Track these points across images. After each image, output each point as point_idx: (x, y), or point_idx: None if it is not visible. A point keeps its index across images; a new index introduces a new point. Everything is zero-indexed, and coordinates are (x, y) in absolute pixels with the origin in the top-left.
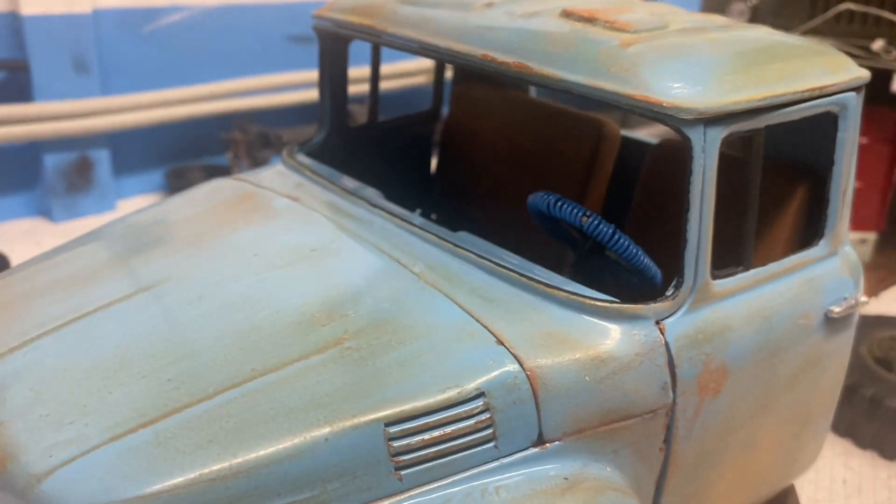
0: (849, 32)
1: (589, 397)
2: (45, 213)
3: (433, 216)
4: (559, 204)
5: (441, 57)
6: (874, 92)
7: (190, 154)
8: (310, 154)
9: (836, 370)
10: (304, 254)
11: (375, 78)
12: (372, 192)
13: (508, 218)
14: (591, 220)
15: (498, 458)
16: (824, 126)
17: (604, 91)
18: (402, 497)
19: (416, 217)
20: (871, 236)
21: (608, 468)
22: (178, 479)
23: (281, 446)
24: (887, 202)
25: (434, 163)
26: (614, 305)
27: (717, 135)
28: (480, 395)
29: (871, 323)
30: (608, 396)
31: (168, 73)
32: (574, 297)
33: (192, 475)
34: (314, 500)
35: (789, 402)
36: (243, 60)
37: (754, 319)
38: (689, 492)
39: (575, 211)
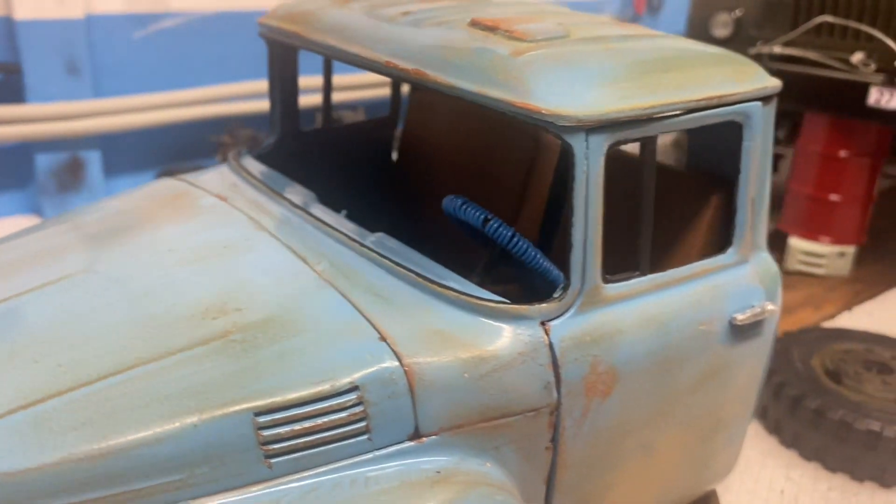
0: (829, 45)
1: (467, 394)
2: (37, 211)
3: (342, 212)
4: (464, 206)
5: (353, 63)
6: (853, 105)
7: (180, 156)
8: (261, 158)
9: (749, 378)
10: (216, 251)
11: (328, 83)
12: (300, 195)
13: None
14: (491, 222)
15: (372, 451)
16: (736, 135)
17: (490, 98)
18: (271, 484)
19: (337, 218)
20: (850, 250)
21: (488, 464)
22: (48, 459)
23: (151, 430)
24: (867, 215)
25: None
26: (500, 306)
27: (601, 142)
28: (354, 388)
29: (831, 335)
30: (488, 394)
31: (160, 78)
32: (463, 296)
33: (61, 455)
34: (182, 483)
35: (693, 407)
36: (235, 66)
37: (649, 324)
38: (585, 492)
39: (477, 214)
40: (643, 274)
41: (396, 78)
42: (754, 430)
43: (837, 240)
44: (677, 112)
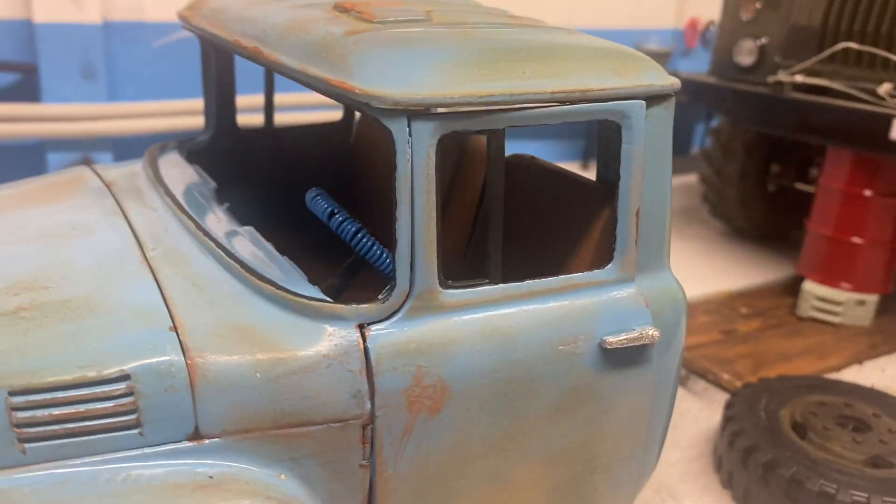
0: (856, 76)
1: (259, 396)
2: None
3: (224, 205)
4: (316, 198)
5: (219, 44)
6: (879, 139)
7: None
8: (192, 153)
9: (631, 413)
10: (62, 231)
11: (269, 80)
12: (189, 187)
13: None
14: (337, 216)
15: (143, 447)
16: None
17: (309, 76)
18: (23, 470)
19: (208, 210)
20: (872, 298)
21: (283, 476)
22: None
23: None
24: (893, 262)
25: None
26: (315, 303)
27: (427, 130)
28: (124, 377)
29: (810, 385)
30: (283, 398)
31: (177, 86)
32: (278, 291)
33: None
34: None
35: (557, 439)
36: (248, 79)
37: (493, 337)
38: None
39: (325, 206)
40: (493, 282)
41: (242, 56)
42: (707, 482)
43: (858, 287)
44: (527, 103)
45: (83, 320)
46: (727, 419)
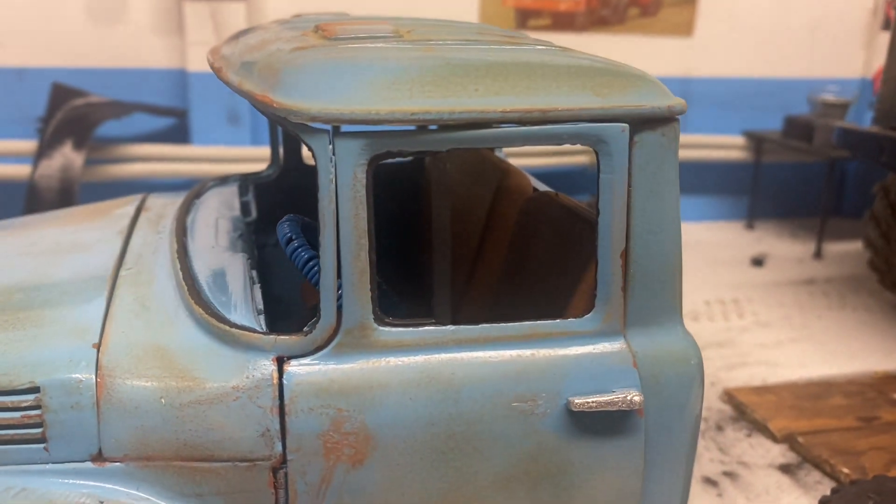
0: None
1: (163, 423)
2: None
3: (237, 232)
4: (284, 223)
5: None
6: None
7: None
8: (258, 186)
9: (613, 493)
10: (63, 248)
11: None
12: (211, 216)
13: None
14: (293, 242)
15: (48, 462)
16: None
17: (242, 90)
18: None
19: (211, 237)
20: None
21: None
22: None
23: None
24: None
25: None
26: (234, 331)
27: (355, 148)
28: (34, 390)
29: None
30: (187, 428)
31: None
32: (206, 316)
33: None
34: None
35: None
36: None
37: (431, 385)
38: None
39: (285, 231)
40: (440, 323)
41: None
42: None
43: None
44: (472, 123)
45: (24, 330)
46: None
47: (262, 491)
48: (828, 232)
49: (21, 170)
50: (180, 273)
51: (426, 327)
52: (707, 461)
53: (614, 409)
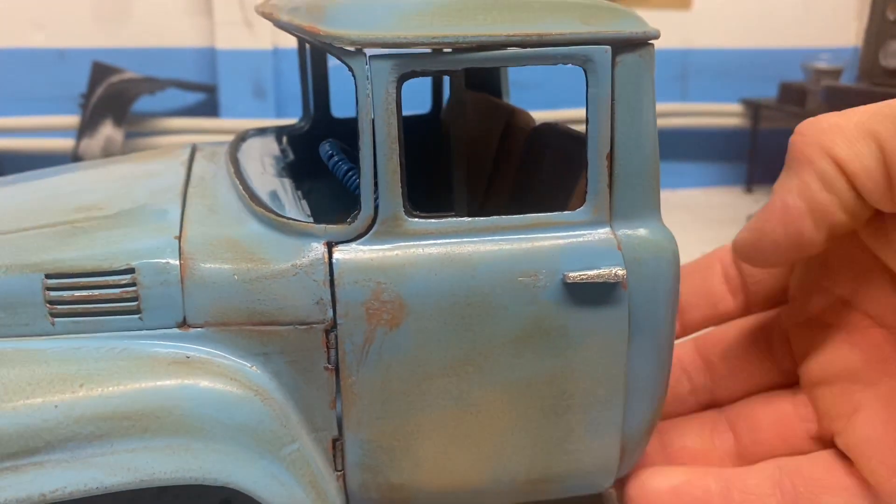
0: None
1: (235, 295)
2: None
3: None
4: (325, 144)
5: (284, 29)
6: None
7: None
8: (291, 137)
9: (601, 353)
10: (137, 176)
11: (307, 72)
12: (257, 153)
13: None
14: (335, 158)
15: (143, 329)
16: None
17: (295, 27)
18: (51, 338)
19: (259, 165)
20: None
21: (255, 368)
22: None
23: None
24: None
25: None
26: (292, 222)
27: (386, 68)
28: (130, 270)
29: None
30: (256, 298)
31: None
32: (265, 213)
33: None
34: None
35: (518, 367)
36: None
37: (453, 264)
38: (385, 431)
39: (328, 150)
40: (458, 215)
41: (273, 23)
42: None
43: None
44: (482, 46)
45: (115, 230)
46: None
47: (317, 350)
48: None
49: (64, 143)
50: (240, 186)
51: (448, 219)
52: None
53: (601, 281)
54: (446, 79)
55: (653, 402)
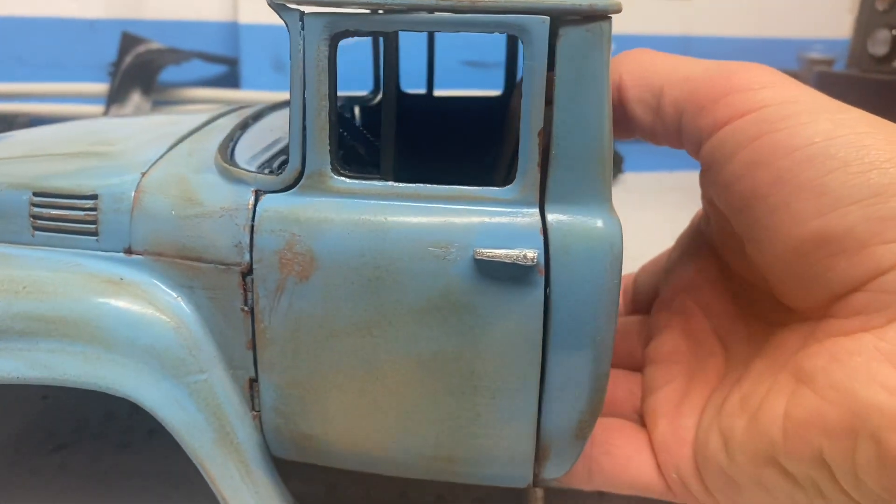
0: None
1: (171, 229)
2: None
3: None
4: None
5: None
6: None
7: None
8: (363, 108)
9: (514, 337)
10: (163, 123)
11: (431, 51)
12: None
13: None
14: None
15: (98, 250)
16: None
17: None
18: (30, 247)
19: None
20: None
21: (179, 298)
22: None
23: None
24: None
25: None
26: (231, 168)
27: (318, 26)
28: (94, 196)
29: None
30: (186, 234)
31: (352, 79)
32: (219, 159)
33: None
34: None
35: (425, 339)
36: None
37: (366, 224)
38: (297, 379)
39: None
40: (384, 179)
41: None
42: None
43: None
44: (410, 8)
45: (103, 162)
46: None
47: (234, 291)
48: None
49: (94, 109)
50: (226, 135)
51: (372, 181)
52: None
53: (509, 261)
54: (520, 61)
55: (579, 402)
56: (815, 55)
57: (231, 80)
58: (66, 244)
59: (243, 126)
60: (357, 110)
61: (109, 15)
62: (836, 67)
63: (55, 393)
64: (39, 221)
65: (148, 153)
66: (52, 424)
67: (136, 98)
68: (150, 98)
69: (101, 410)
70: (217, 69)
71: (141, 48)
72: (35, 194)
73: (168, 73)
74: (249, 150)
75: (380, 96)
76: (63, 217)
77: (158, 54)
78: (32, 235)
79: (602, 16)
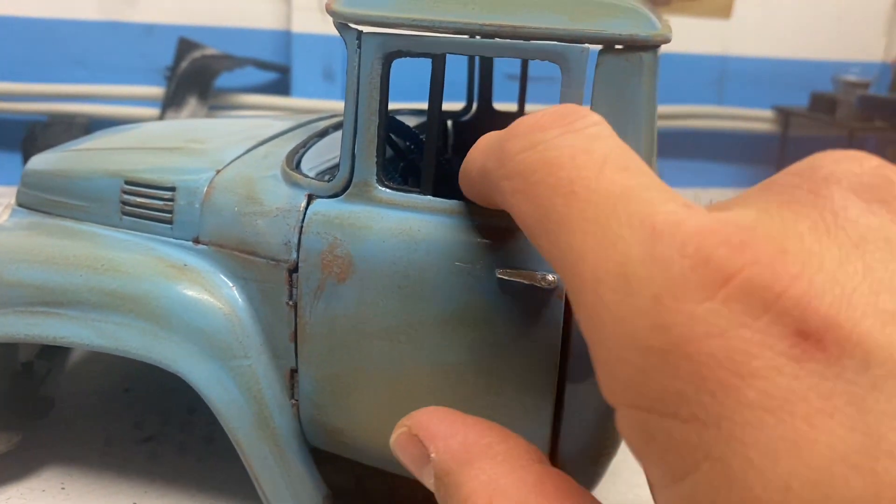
0: None
1: (232, 223)
2: None
3: None
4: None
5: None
6: None
7: None
8: (456, 125)
9: (531, 357)
10: (259, 125)
11: (524, 71)
12: None
13: None
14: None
15: (172, 237)
16: None
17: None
18: (117, 230)
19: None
20: None
21: (234, 288)
22: None
23: (91, 174)
24: None
25: None
26: (292, 173)
27: (373, 45)
28: (172, 188)
29: None
30: (244, 229)
31: (403, 90)
32: (284, 164)
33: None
34: (84, 209)
35: (448, 349)
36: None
37: (401, 234)
38: (333, 374)
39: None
40: (423, 193)
41: None
42: None
43: None
44: (461, 33)
45: (189, 158)
46: None
47: (281, 285)
48: None
49: (150, 112)
50: (300, 142)
51: (412, 194)
52: None
53: (529, 283)
54: None
55: (594, 428)
56: (851, 77)
57: (282, 87)
58: (146, 229)
59: (321, 134)
60: (450, 124)
61: (166, 20)
62: (875, 90)
63: (136, 386)
64: (127, 207)
65: (229, 153)
66: (137, 417)
67: (192, 102)
68: (207, 103)
69: (183, 406)
70: (268, 76)
71: (197, 53)
72: (126, 182)
73: (221, 79)
74: (319, 157)
75: (470, 115)
76: (146, 205)
77: (213, 60)
78: (120, 219)
79: (643, 46)
